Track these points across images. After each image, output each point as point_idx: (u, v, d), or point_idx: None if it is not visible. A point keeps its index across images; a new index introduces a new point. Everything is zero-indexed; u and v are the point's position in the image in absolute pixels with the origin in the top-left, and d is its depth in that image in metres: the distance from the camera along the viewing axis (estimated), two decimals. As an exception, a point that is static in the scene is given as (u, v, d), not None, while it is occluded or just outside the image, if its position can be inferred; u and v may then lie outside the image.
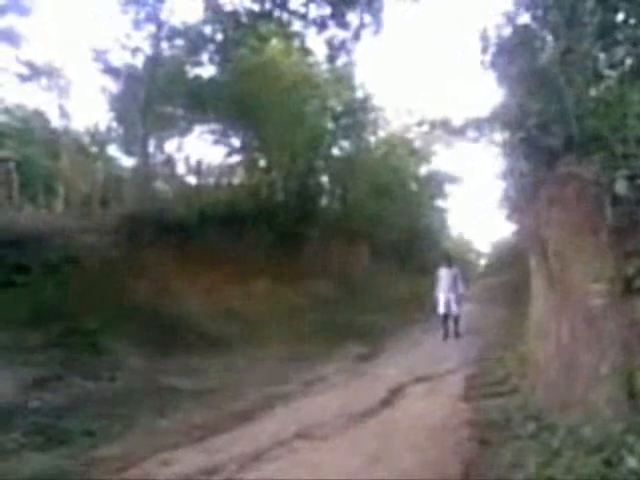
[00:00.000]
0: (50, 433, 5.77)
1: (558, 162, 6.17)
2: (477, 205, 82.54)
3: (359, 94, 22.80)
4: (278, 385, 8.41)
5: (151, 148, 16.14)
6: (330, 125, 22.14)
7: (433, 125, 25.70)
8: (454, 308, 13.23)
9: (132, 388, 7.69)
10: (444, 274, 13.64)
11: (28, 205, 12.13)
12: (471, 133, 22.83)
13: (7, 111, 15.96)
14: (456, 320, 13.32)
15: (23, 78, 15.28)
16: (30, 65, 15.20)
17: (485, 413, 6.46)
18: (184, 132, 18.07)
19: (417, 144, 28.49)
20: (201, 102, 16.21)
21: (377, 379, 8.86)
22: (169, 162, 17.58)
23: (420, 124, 26.30)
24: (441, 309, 13.31)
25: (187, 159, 18.02)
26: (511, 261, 24.72)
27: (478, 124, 18.58)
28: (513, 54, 7.98)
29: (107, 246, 11.12)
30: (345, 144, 23.60)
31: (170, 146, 17.95)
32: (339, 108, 22.08)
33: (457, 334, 13.16)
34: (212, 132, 18.77)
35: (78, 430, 5.95)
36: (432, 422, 6.35)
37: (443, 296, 13.30)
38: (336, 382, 8.82)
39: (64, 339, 8.17)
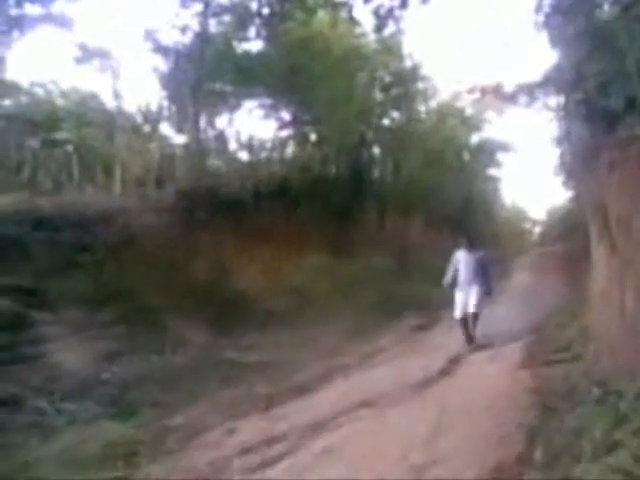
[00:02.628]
0: (121, 403, 6.04)
1: (619, 124, 5.99)
2: (531, 172, 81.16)
3: (408, 63, 22.43)
4: (338, 357, 8.52)
5: (202, 125, 16.30)
6: (380, 96, 21.92)
7: (484, 92, 25.06)
8: (472, 306, 9.18)
9: (195, 362, 7.93)
10: (463, 259, 9.51)
11: (88, 186, 12.41)
12: (523, 98, 22.19)
13: (63, 94, 16.33)
14: (473, 319, 9.28)
15: (77, 60, 15.59)
16: (83, 47, 15.49)
17: (548, 380, 6.39)
18: (234, 108, 18.15)
19: (468, 112, 27.94)
20: (250, 77, 16.23)
21: (435, 349, 8.88)
22: (221, 138, 17.71)
23: (471, 91, 25.69)
24: (457, 312, 9.32)
25: (238, 135, 18.14)
26: (568, 229, 24.23)
27: (530, 89, 18.06)
28: (569, 12, 7.70)
29: (165, 225, 11.33)
30: (395, 115, 23.35)
31: (221, 122, 18.09)
32: (388, 78, 21.80)
33: (470, 339, 9.14)
34: (262, 107, 18.80)
35: (146, 401, 6.21)
36: (493, 390, 6.34)
37: (460, 293, 9.36)
38: (395, 353, 8.89)
39: (128, 317, 8.44)
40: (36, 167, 12.27)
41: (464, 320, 9.19)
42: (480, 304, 9.28)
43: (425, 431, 5.00)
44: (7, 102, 15.14)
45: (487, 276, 9.51)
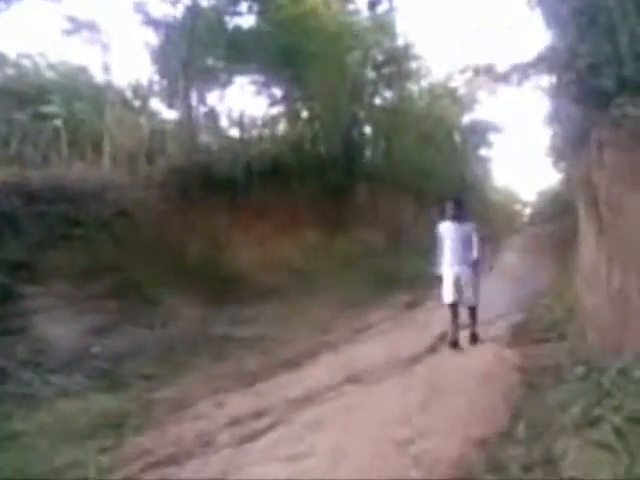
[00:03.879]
0: (111, 376, 6.08)
1: (610, 104, 5.99)
2: (522, 153, 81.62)
3: (400, 42, 22.29)
4: (327, 333, 8.60)
5: (193, 101, 16.14)
6: (372, 75, 21.80)
7: (477, 72, 24.96)
8: (469, 293, 7.58)
9: (186, 336, 7.96)
10: (450, 232, 7.68)
11: (77, 161, 12.27)
12: (515, 78, 22.11)
13: (52, 67, 16.09)
14: (472, 313, 7.70)
15: (65, 33, 15.33)
16: (71, 19, 15.23)
17: (533, 359, 6.49)
18: (225, 84, 17.96)
19: (460, 92, 27.84)
20: (242, 53, 16.08)
21: (424, 326, 8.92)
22: (211, 114, 17.55)
23: (463, 71, 25.62)
24: (448, 295, 7.64)
25: (229, 111, 17.98)
26: (558, 210, 24.35)
27: (523, 68, 18.00)
28: (563, -8, 7.66)
29: (156, 200, 11.26)
30: (387, 94, 23.25)
31: (212, 98, 17.92)
32: (380, 57, 21.66)
33: (474, 338, 7.60)
34: (253, 83, 18.64)
35: (136, 374, 6.25)
36: (479, 367, 6.42)
37: (450, 272, 7.61)
38: (384, 329, 8.95)
39: (119, 290, 8.41)
40: (24, 141, 12.11)
41: (455, 306, 7.62)
42: (478, 291, 7.69)
43: (410, 407, 5.08)
44: (-6, 74, 14.93)
45: (483, 253, 7.77)
